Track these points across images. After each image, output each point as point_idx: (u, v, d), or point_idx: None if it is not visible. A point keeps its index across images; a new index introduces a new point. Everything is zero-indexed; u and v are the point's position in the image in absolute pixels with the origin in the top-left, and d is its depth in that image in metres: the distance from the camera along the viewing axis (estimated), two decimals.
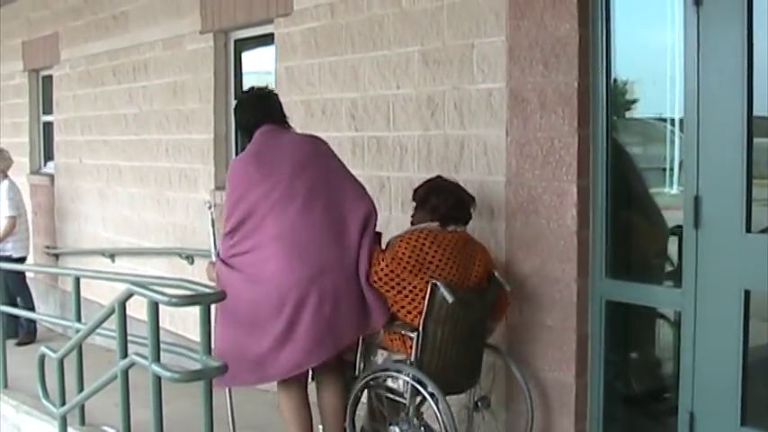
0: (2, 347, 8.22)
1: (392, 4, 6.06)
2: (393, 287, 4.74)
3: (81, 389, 6.31)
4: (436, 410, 4.60)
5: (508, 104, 5.24)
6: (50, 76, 11.94)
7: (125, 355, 5.09)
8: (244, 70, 8.25)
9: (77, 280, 7.01)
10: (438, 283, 4.61)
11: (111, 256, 10.12)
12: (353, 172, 5.35)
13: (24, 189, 12.37)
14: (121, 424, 5.33)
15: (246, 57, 8.22)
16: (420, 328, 4.68)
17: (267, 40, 7.54)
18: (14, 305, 9.80)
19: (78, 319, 6.92)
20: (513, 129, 5.22)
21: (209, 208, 5.93)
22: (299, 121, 6.99)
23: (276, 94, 5.40)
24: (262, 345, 4.73)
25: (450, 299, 4.57)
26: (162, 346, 4.97)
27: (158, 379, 4.71)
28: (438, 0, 5.69)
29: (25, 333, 10.32)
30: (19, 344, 9.98)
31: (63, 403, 6.36)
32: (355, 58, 6.43)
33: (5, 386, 8.19)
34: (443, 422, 4.57)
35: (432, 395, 4.63)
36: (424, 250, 4.74)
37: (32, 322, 10.28)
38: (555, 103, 4.96)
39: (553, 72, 4.96)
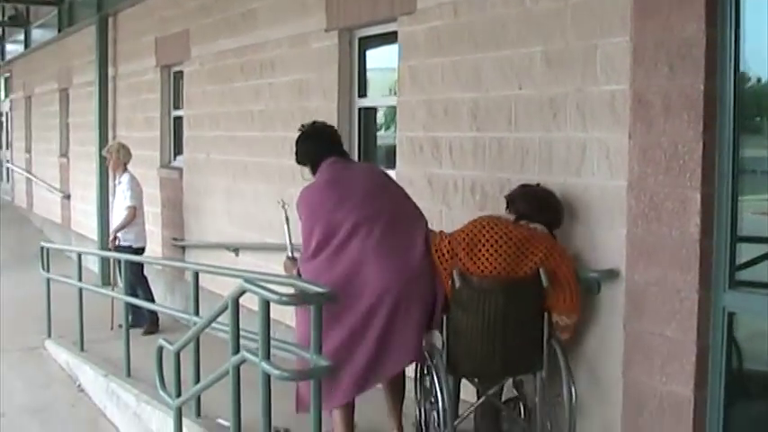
0: (126, 337, 8.40)
1: (515, 3, 5.95)
2: (448, 261, 5.15)
3: (197, 381, 6.39)
4: (438, 393, 5.01)
5: (631, 107, 5.08)
6: (181, 72, 12.17)
7: (237, 350, 5.12)
8: (367, 68, 8.23)
9: (196, 274, 7.11)
10: (454, 270, 5.03)
11: (236, 250, 10.23)
12: (474, 173, 6.08)
13: (154, 182, 12.68)
14: (232, 419, 5.36)
15: (370, 55, 8.20)
16: (447, 313, 5.12)
17: (391, 38, 7.51)
18: (135, 295, 10.03)
19: (196, 313, 7.00)
20: (636, 132, 5.06)
21: (283, 206, 6.25)
22: (420, 121, 6.97)
23: (335, 128, 6.13)
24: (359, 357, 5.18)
25: (457, 284, 4.99)
26: (275, 342, 5.00)
27: (268, 376, 4.71)
28: (561, 0, 5.57)
29: (149, 323, 10.55)
30: (145, 333, 10.21)
31: (179, 395, 6.45)
32: (477, 57, 6.35)
33: (129, 375, 8.37)
34: (441, 408, 5.01)
35: (438, 378, 5.03)
36: (478, 236, 5.13)
37: (154, 312, 10.49)
38: (680, 106, 4.78)
39: (678, 74, 4.78)
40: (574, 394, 5.21)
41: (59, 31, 18.36)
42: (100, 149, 14.45)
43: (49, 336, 10.69)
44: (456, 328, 5.15)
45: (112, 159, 11.19)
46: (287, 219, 6.23)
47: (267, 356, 4.67)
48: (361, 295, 5.16)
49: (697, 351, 4.80)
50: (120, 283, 10.55)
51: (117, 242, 10.81)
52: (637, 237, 5.09)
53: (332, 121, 8.13)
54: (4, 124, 28.67)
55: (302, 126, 6.01)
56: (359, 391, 5.29)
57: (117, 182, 11.23)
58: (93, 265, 14.80)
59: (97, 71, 14.98)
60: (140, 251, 10.92)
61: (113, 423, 8.32)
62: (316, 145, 5.78)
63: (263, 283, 4.95)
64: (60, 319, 10.76)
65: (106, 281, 13.79)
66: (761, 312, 4.75)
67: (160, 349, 6.73)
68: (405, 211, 5.55)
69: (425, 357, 5.33)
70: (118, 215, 11.04)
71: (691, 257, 4.79)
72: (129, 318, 9.53)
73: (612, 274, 5.26)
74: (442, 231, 5.42)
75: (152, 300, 10.64)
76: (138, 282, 10.56)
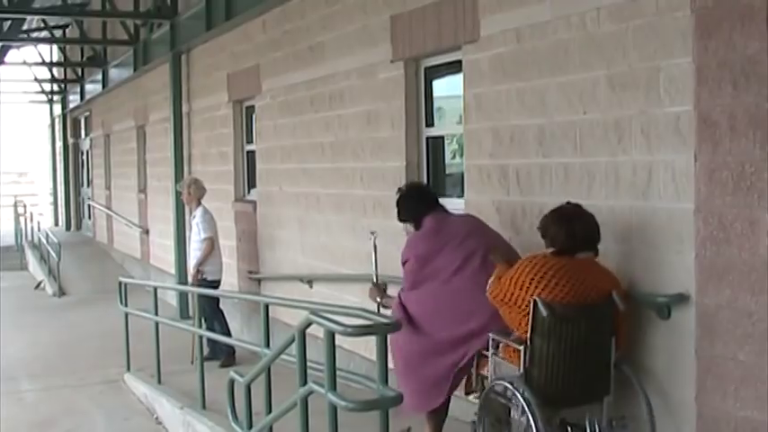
0: (200, 370, 8.48)
1: (577, 27, 5.93)
2: (507, 304, 5.30)
3: (269, 412, 6.42)
4: (532, 421, 4.97)
5: (696, 128, 5.02)
6: (253, 107, 12.32)
7: (305, 382, 5.14)
8: (434, 97, 8.25)
9: (266, 306, 7.17)
10: (537, 299, 5.06)
11: (309, 281, 10.29)
12: (541, 199, 6.14)
13: (229, 216, 12.83)
14: None
15: (437, 84, 8.22)
16: (527, 342, 5.14)
17: (456, 66, 7.52)
18: (211, 329, 10.14)
19: (267, 345, 7.05)
20: (702, 153, 5.00)
21: (374, 235, 6.89)
22: (487, 148, 6.96)
23: (428, 186, 7.29)
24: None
25: (544, 313, 5.02)
26: (344, 374, 5.02)
27: (335, 407, 4.73)
28: (623, 22, 5.53)
29: (225, 356, 10.66)
30: (222, 366, 10.30)
31: (250, 426, 6.49)
32: (542, 83, 6.33)
33: (204, 407, 8.44)
34: None
35: (530, 407, 5.01)
36: (543, 268, 5.22)
37: (230, 345, 10.61)
38: (745, 125, 4.72)
39: (743, 93, 4.72)
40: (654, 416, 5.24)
41: (135, 69, 18.73)
42: (176, 184, 14.70)
43: (129, 369, 10.85)
44: (538, 356, 5.16)
45: (185, 194, 11.45)
46: (375, 248, 6.86)
47: (333, 387, 4.69)
48: (461, 322, 5.86)
49: None
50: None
51: (200, 276, 10.94)
52: (706, 260, 5.02)
53: (400, 150, 8.20)
54: (85, 162, 29.25)
55: (400, 189, 6.74)
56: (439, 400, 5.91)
57: (192, 216, 11.44)
58: (171, 298, 15.03)
59: (172, 107, 15.24)
60: (216, 284, 11.07)
61: None
62: (414, 206, 6.49)
63: (329, 315, 4.96)
64: (139, 352, 10.95)
65: (184, 314, 14.00)
66: None
67: (231, 382, 6.79)
68: (498, 249, 6.10)
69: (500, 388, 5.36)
70: (194, 249, 11.23)
71: (762, 279, 4.70)
72: (206, 351, 9.65)
73: (683, 298, 5.18)
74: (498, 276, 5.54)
75: (228, 333, 10.74)
76: (213, 315, 10.69)
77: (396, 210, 6.63)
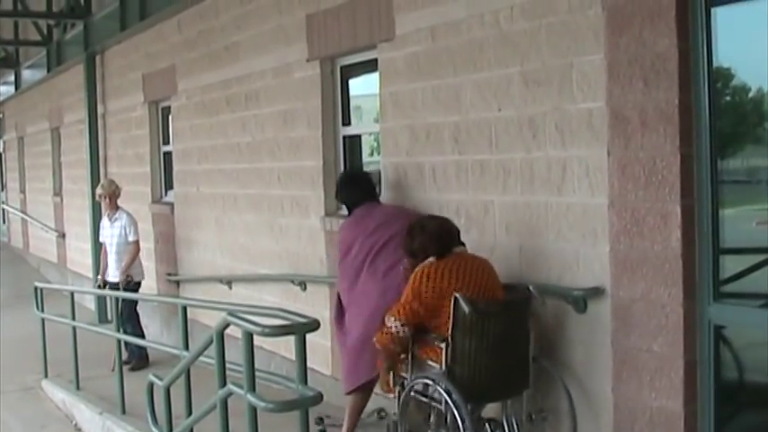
0: (119, 375, 8.38)
1: (491, 25, 5.97)
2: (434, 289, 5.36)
3: (189, 415, 6.37)
4: (457, 417, 5.04)
5: (609, 124, 5.10)
6: (169, 107, 12.20)
7: (224, 384, 5.11)
8: (351, 96, 8.25)
9: (185, 309, 7.11)
10: (458, 297, 5.15)
11: (228, 282, 10.23)
12: (457, 196, 6.23)
13: (147, 218, 12.69)
14: None
15: (353, 83, 8.22)
16: (449, 339, 5.19)
17: (372, 65, 7.53)
18: (126, 332, 10.03)
19: (186, 347, 6.99)
20: (615, 149, 5.07)
21: None
22: (403, 146, 6.98)
23: (369, 174, 7.10)
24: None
25: (466, 309, 5.11)
26: (263, 374, 4.99)
27: (254, 408, 4.70)
28: (536, 20, 5.59)
29: (137, 359, 10.57)
30: (132, 369, 10.20)
31: (170, 429, 6.43)
32: (457, 81, 6.37)
33: (124, 412, 8.35)
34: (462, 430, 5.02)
35: (454, 403, 5.06)
36: (456, 267, 5.40)
37: (143, 348, 10.51)
38: (656, 121, 4.79)
39: (653, 89, 4.80)
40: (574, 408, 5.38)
41: (49, 70, 18.42)
42: (92, 187, 14.48)
43: (46, 375, 10.68)
44: (461, 352, 5.20)
45: (109, 196, 11.18)
46: None
47: (252, 388, 4.66)
48: (368, 305, 6.24)
49: (685, 365, 4.80)
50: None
51: (128, 278, 10.78)
52: (620, 253, 5.09)
53: (317, 149, 8.18)
54: None
55: (344, 170, 7.55)
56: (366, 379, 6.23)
57: (112, 218, 11.17)
58: (89, 303, 14.81)
59: (87, 109, 15.03)
60: (138, 286, 11.01)
61: None
62: (349, 190, 6.92)
63: (247, 315, 4.93)
64: (57, 358, 10.75)
65: (102, 319, 13.82)
66: (747, 325, 4.75)
67: (151, 385, 6.72)
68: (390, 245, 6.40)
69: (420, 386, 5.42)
70: (118, 251, 11.00)
71: (674, 271, 4.79)
72: (126, 355, 9.58)
73: (598, 292, 5.25)
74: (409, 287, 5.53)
75: (141, 335, 10.64)
76: (130, 317, 10.57)
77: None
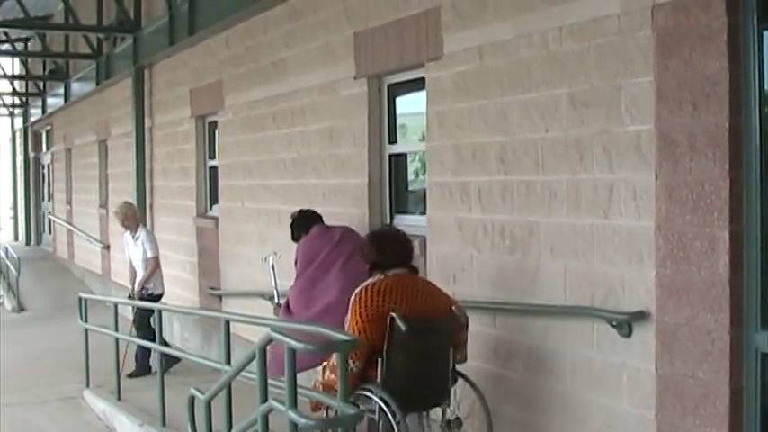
0: (161, 386, 8.41)
1: (539, 46, 5.96)
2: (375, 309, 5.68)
3: (229, 430, 6.37)
4: (395, 425, 5.41)
5: (657, 147, 5.06)
6: (215, 122, 12.28)
7: (265, 399, 5.11)
8: (397, 114, 8.25)
9: (227, 323, 7.13)
10: (395, 315, 5.53)
11: (271, 298, 10.22)
12: (502, 217, 6.29)
13: (191, 232, 12.77)
14: None
15: (400, 101, 8.22)
16: (384, 355, 5.55)
17: (419, 84, 7.53)
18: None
19: (228, 362, 7.00)
20: (663, 172, 5.03)
21: (268, 258, 8.61)
22: (449, 166, 6.97)
23: (316, 213, 8.26)
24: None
25: (403, 327, 5.49)
26: (303, 390, 4.98)
27: (295, 425, 4.70)
28: (585, 41, 5.57)
29: (139, 367, 11.19)
30: (130, 375, 10.86)
31: None
32: (504, 101, 6.35)
33: (164, 424, 8.38)
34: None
35: (393, 413, 5.42)
36: (398, 287, 5.79)
37: (147, 358, 11.18)
38: (705, 144, 4.75)
39: (703, 112, 4.76)
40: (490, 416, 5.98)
41: (97, 83, 18.62)
42: (137, 200, 14.65)
43: (87, 385, 10.74)
44: (394, 366, 5.59)
45: (127, 219, 11.81)
46: (273, 267, 8.43)
47: (294, 405, 4.65)
48: (326, 296, 7.33)
49: (730, 393, 4.73)
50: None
51: (144, 291, 11.45)
52: (666, 278, 5.04)
53: (362, 167, 8.19)
54: (46, 177, 29.04)
55: (292, 215, 8.29)
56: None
57: (134, 236, 11.77)
58: (131, 314, 14.88)
59: (134, 122, 15.17)
60: (158, 298, 11.53)
61: None
62: (301, 225, 8.10)
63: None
64: (99, 368, 10.84)
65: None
66: None
67: (192, 399, 6.73)
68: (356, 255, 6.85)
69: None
70: (139, 267, 11.70)
71: (721, 297, 4.73)
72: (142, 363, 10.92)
73: (643, 316, 5.20)
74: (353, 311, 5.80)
75: (144, 348, 11.10)
76: (140, 326, 11.15)
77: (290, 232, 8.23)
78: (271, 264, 8.53)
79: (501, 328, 6.48)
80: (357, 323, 5.62)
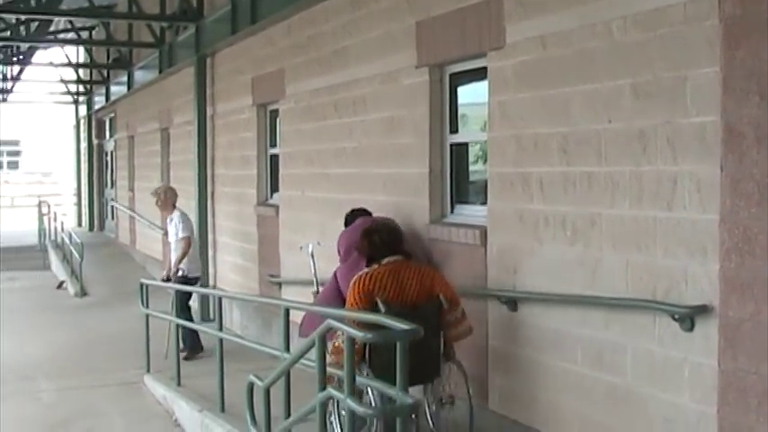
0: (220, 374, 8.48)
1: (603, 36, 5.89)
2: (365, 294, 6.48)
3: (287, 417, 6.41)
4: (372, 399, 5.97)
5: (722, 139, 4.99)
6: (277, 111, 12.33)
7: (324, 387, 5.12)
8: (459, 104, 8.22)
9: (287, 311, 7.16)
10: (378, 300, 6.30)
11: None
12: (564, 208, 6.28)
13: (251, 219, 12.85)
14: None
15: (462, 90, 8.19)
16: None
17: (481, 73, 7.49)
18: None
19: (287, 349, 7.03)
20: (728, 164, 4.96)
21: (307, 247, 9.33)
22: (510, 156, 6.93)
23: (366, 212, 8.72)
24: None
25: (383, 309, 6.16)
26: (361, 379, 4.99)
27: (353, 413, 4.70)
28: (649, 31, 5.50)
29: (189, 348, 11.46)
30: (186, 359, 11.08)
31: (268, 430, 6.47)
32: (566, 91, 6.30)
33: (223, 410, 8.44)
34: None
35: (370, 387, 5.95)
36: (368, 286, 6.47)
37: (195, 338, 11.57)
38: None
39: None
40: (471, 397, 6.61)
41: (160, 72, 18.77)
42: (199, 188, 14.78)
43: (148, 370, 10.87)
44: (377, 347, 6.06)
45: (161, 201, 12.34)
46: (313, 257, 9.03)
47: (352, 393, 4.66)
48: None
49: None
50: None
51: (179, 273, 11.78)
52: (730, 271, 4.97)
53: (423, 157, 8.16)
54: (109, 163, 29.38)
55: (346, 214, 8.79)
56: None
57: (169, 219, 12.27)
58: (192, 301, 15.02)
59: (196, 110, 15.26)
60: (194, 281, 11.89)
61: None
62: (351, 216, 8.67)
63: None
64: (159, 354, 10.99)
65: (205, 317, 14.03)
66: None
67: (251, 385, 6.77)
68: None
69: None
70: (173, 249, 12.05)
71: None
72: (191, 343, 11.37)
73: (706, 310, 5.14)
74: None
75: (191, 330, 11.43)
76: (182, 310, 11.38)
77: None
78: (310, 252, 9.07)
79: (560, 320, 6.44)
80: (352, 306, 6.39)
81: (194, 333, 11.52)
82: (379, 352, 6.08)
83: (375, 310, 6.22)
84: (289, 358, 6.24)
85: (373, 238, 6.87)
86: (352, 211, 8.76)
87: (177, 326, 10.69)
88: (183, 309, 11.50)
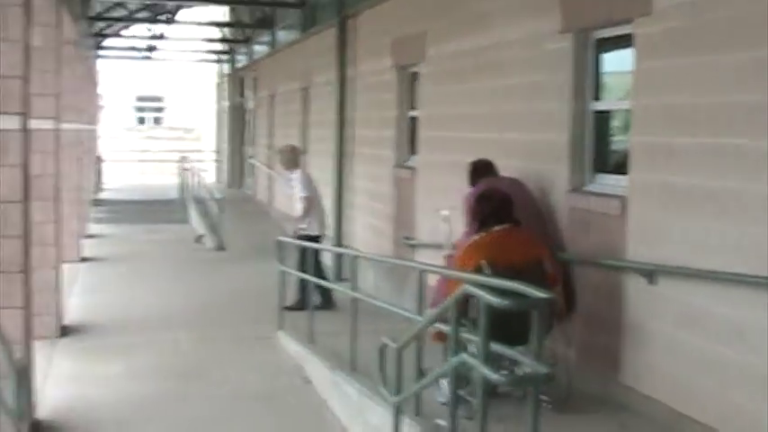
0: (352, 333, 8.54)
1: (759, 0, 5.66)
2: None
3: (419, 379, 6.42)
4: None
5: None
6: (417, 73, 12.30)
7: (457, 353, 5.10)
8: (602, 70, 8.05)
9: (421, 274, 7.16)
10: (482, 263, 6.60)
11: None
12: (712, 183, 6.17)
13: (388, 181, 12.90)
14: (449, 420, 5.35)
15: (606, 57, 8.02)
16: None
17: (627, 40, 7.30)
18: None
19: (420, 313, 7.03)
20: None
21: (443, 212, 9.15)
22: (656, 126, 6.77)
23: (490, 163, 8.70)
24: None
25: (487, 271, 6.49)
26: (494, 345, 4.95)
27: (486, 380, 4.68)
28: None
29: (298, 300, 11.81)
30: (288, 308, 11.39)
31: (398, 392, 6.50)
32: (718, 59, 6.09)
33: (353, 369, 8.51)
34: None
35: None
36: (475, 253, 6.85)
37: (304, 294, 11.54)
38: None
39: None
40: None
41: (302, 32, 18.92)
42: (338, 147, 14.90)
43: (281, 327, 11.03)
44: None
45: (286, 159, 12.80)
46: (447, 220, 9.00)
47: (487, 360, 4.63)
48: None
49: None
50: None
51: (301, 231, 12.32)
52: None
53: (564, 123, 8.03)
54: (250, 122, 29.85)
55: (469, 162, 8.74)
56: None
57: (289, 178, 12.80)
58: (327, 259, 15.20)
59: (336, 71, 15.35)
60: (315, 239, 12.17)
61: (336, 415, 8.49)
62: (475, 174, 8.54)
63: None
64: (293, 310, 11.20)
65: (339, 276, 14.17)
66: None
67: (383, 347, 6.81)
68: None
69: None
70: (294, 207, 12.61)
71: None
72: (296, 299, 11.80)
73: None
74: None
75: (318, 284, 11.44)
76: (311, 266, 11.23)
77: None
78: (445, 217, 9.07)
79: (700, 296, 6.26)
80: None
81: (306, 290, 11.57)
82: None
83: (482, 271, 6.51)
84: (422, 321, 6.24)
85: (483, 206, 7.17)
86: (475, 167, 8.63)
87: (301, 279, 11.33)
88: (309, 264, 11.48)
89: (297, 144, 13.80)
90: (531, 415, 4.62)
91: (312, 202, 12.48)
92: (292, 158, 12.88)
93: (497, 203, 7.14)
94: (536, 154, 8.64)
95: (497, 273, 6.34)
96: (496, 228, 7.00)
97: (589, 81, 8.04)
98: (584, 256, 7.69)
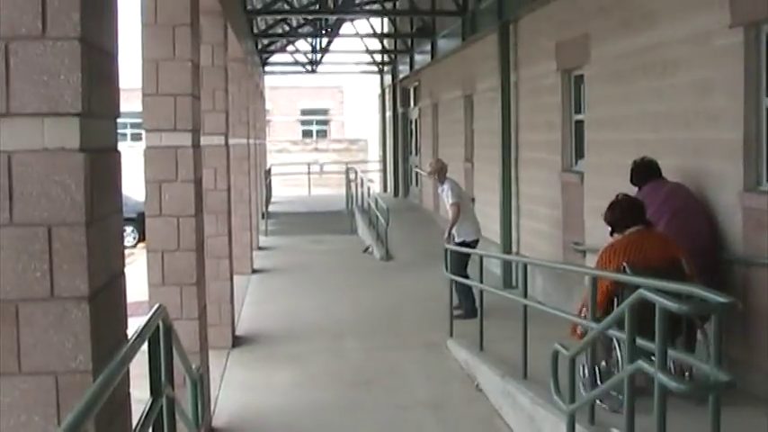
0: (523, 339, 8.47)
1: None
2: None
3: (593, 387, 6.31)
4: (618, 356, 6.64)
5: None
6: (581, 76, 12.13)
7: (632, 360, 4.99)
8: None
9: (594, 280, 7.04)
10: (625, 265, 6.87)
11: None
12: None
13: (555, 186, 12.78)
14: (626, 429, 5.23)
15: None
16: (620, 296, 6.74)
17: None
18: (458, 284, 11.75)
19: (594, 319, 6.91)
20: None
21: None
22: None
23: (655, 163, 8.73)
24: None
25: (629, 272, 6.74)
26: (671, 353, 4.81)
27: (665, 388, 4.55)
28: None
29: (465, 311, 12.04)
30: (456, 317, 11.56)
31: (573, 400, 6.40)
32: None
33: (525, 377, 8.44)
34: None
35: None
36: (634, 242, 7.20)
37: (471, 301, 12.07)
38: None
39: None
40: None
41: (463, 39, 18.91)
42: (503, 154, 14.84)
43: (451, 335, 11.03)
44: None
45: (434, 173, 13.37)
46: None
47: (664, 367, 4.50)
48: None
49: None
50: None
51: (453, 239, 12.70)
52: None
53: (737, 121, 7.77)
54: (414, 131, 30.01)
55: (633, 161, 8.91)
56: None
57: (440, 189, 13.36)
58: (495, 267, 15.14)
59: (499, 77, 15.28)
60: (472, 244, 12.62)
61: (508, 424, 8.42)
62: (639, 175, 8.77)
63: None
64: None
65: (508, 283, 14.11)
66: None
67: (555, 354, 6.72)
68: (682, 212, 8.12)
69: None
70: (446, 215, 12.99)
71: None
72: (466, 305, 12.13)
73: None
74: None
75: (465, 290, 12.23)
76: (456, 273, 11.74)
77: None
78: None
79: None
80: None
81: (471, 297, 12.09)
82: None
83: (624, 272, 6.85)
84: (595, 328, 6.12)
85: (614, 210, 7.60)
86: (636, 165, 8.82)
87: (454, 286, 11.65)
88: (457, 272, 11.88)
89: (441, 158, 15.09)
90: (712, 425, 4.47)
91: (461, 208, 12.85)
92: (440, 171, 13.35)
93: (626, 205, 7.54)
94: (704, 153, 8.41)
95: (637, 274, 6.53)
96: (629, 230, 7.35)
97: (762, 76, 7.76)
98: (761, 257, 7.42)
